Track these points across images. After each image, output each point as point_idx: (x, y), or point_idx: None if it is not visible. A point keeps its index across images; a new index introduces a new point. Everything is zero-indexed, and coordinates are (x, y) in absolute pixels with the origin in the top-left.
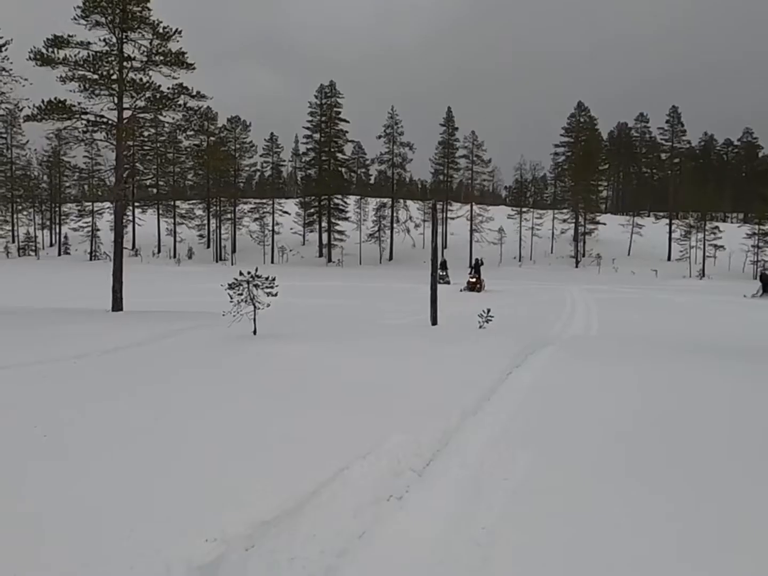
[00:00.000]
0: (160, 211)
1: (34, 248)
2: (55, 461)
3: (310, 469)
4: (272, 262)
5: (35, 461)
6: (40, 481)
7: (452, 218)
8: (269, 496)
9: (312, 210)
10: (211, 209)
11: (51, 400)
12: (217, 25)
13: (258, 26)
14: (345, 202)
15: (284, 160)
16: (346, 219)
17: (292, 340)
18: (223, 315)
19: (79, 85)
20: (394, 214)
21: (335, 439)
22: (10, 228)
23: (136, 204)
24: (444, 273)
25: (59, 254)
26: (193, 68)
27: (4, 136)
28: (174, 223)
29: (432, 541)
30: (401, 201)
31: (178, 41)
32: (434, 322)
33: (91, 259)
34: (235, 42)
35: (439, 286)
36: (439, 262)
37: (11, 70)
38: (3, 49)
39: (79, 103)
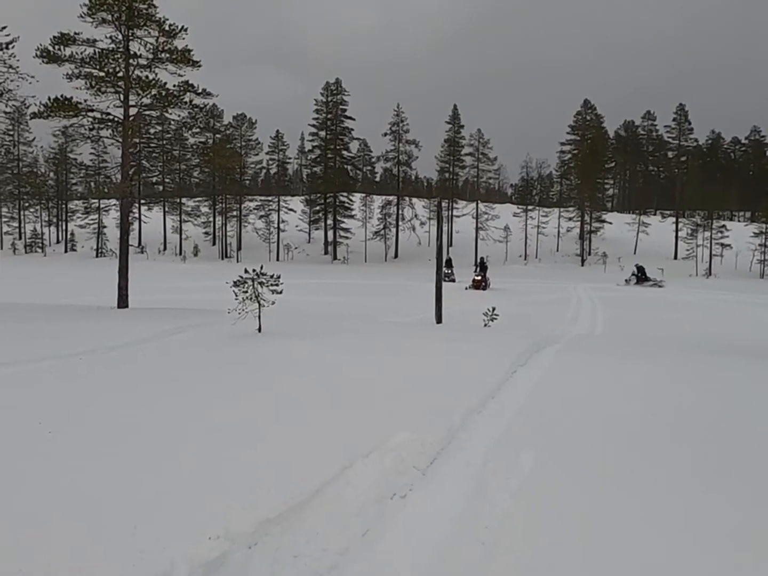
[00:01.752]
0: (166, 209)
1: (40, 245)
2: (58, 458)
3: (314, 467)
4: (278, 259)
5: (39, 458)
6: (44, 478)
7: (458, 216)
8: (273, 494)
9: (317, 207)
10: (217, 206)
11: (56, 396)
12: (227, 29)
13: (268, 31)
14: (350, 200)
15: (290, 158)
16: (352, 217)
17: (296, 337)
18: (228, 312)
19: (86, 83)
20: (400, 212)
21: (339, 437)
22: (17, 225)
23: (142, 201)
24: (449, 271)
25: (66, 251)
26: (199, 65)
27: (11, 133)
28: (180, 221)
29: (435, 539)
30: (407, 199)
31: (184, 38)
32: (439, 320)
33: (97, 256)
34: (244, 46)
35: (444, 284)
36: (444, 260)
37: (18, 67)
38: (10, 46)
39: (85, 101)
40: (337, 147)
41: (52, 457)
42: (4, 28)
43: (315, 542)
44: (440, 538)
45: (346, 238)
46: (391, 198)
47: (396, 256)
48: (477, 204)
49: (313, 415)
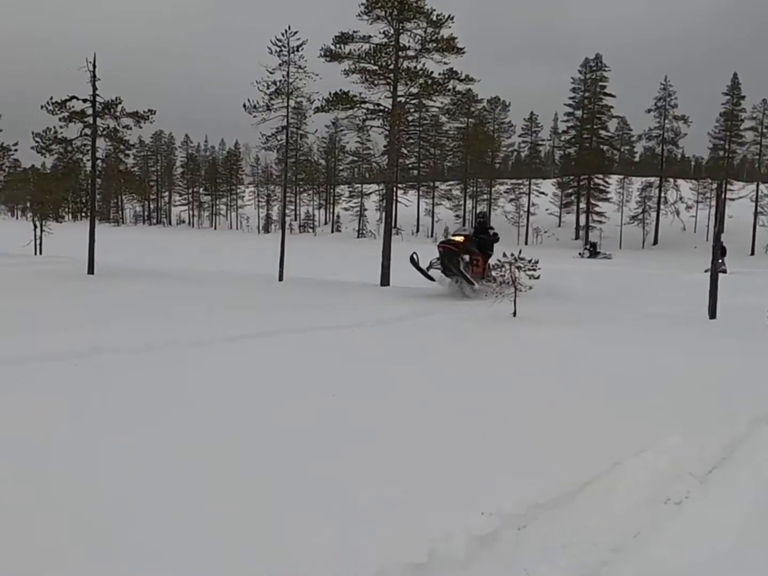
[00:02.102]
0: (420, 193)
1: (311, 226)
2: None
3: (583, 459)
4: (526, 243)
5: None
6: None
7: (732, 199)
8: (543, 479)
9: (570, 190)
10: (468, 190)
11: (331, 362)
12: (487, 20)
13: (529, 22)
14: (606, 182)
15: (543, 140)
16: (607, 200)
17: (549, 323)
18: (485, 295)
19: (360, 77)
20: (662, 195)
21: (607, 432)
22: (293, 208)
23: (399, 185)
24: (721, 260)
25: (332, 231)
26: (463, 52)
27: (297, 126)
28: (432, 204)
29: (711, 554)
30: (670, 180)
31: (449, 27)
32: (712, 314)
33: (358, 237)
34: (502, 39)
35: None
36: (718, 248)
37: (305, 67)
38: (300, 49)
39: (360, 93)
40: (594, 126)
41: (345, 435)
42: (295, 32)
43: (584, 534)
44: (718, 553)
45: (600, 222)
46: (652, 179)
47: (655, 242)
48: (757, 185)
49: (576, 404)
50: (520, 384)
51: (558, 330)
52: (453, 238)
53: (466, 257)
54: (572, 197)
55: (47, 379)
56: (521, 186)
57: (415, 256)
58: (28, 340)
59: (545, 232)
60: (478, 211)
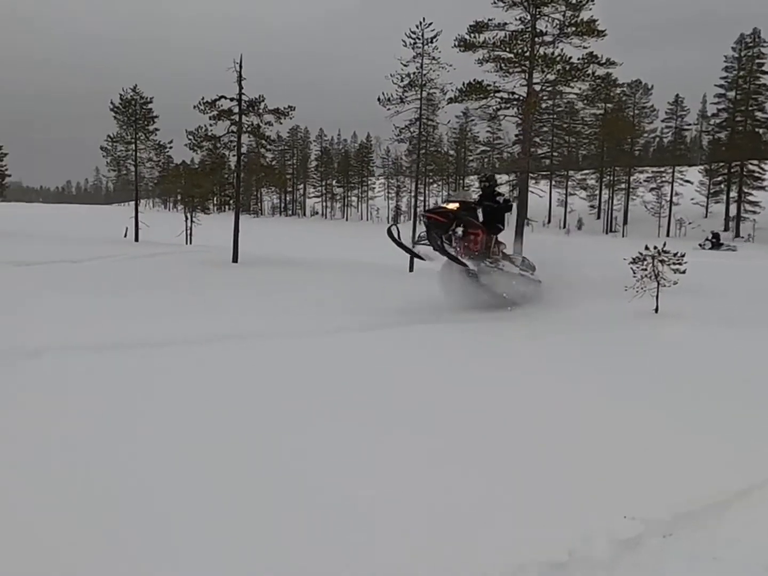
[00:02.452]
0: (553, 182)
1: None
2: None
3: (738, 467)
4: (668, 235)
5: None
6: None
7: None
8: (692, 486)
9: (719, 178)
10: (604, 179)
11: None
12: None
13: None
14: (762, 169)
15: (689, 124)
16: (762, 188)
17: (697, 322)
18: (626, 290)
19: (495, 65)
20: None
21: (763, 440)
22: (423, 198)
23: (531, 175)
24: None
25: None
26: (604, 35)
27: (429, 117)
28: (566, 194)
29: None
30: None
31: (590, 9)
32: None
33: None
34: (653, 15)
35: None
36: None
37: (439, 58)
38: (434, 40)
39: (494, 83)
40: (749, 108)
41: None
42: (429, 24)
43: (736, 549)
44: None
45: (753, 212)
46: None
47: None
48: None
49: (734, 408)
50: (670, 386)
51: (710, 330)
52: (444, 205)
53: (459, 230)
54: (721, 185)
55: (197, 360)
56: (663, 174)
57: (394, 229)
58: (175, 323)
59: (689, 223)
60: (483, 174)
